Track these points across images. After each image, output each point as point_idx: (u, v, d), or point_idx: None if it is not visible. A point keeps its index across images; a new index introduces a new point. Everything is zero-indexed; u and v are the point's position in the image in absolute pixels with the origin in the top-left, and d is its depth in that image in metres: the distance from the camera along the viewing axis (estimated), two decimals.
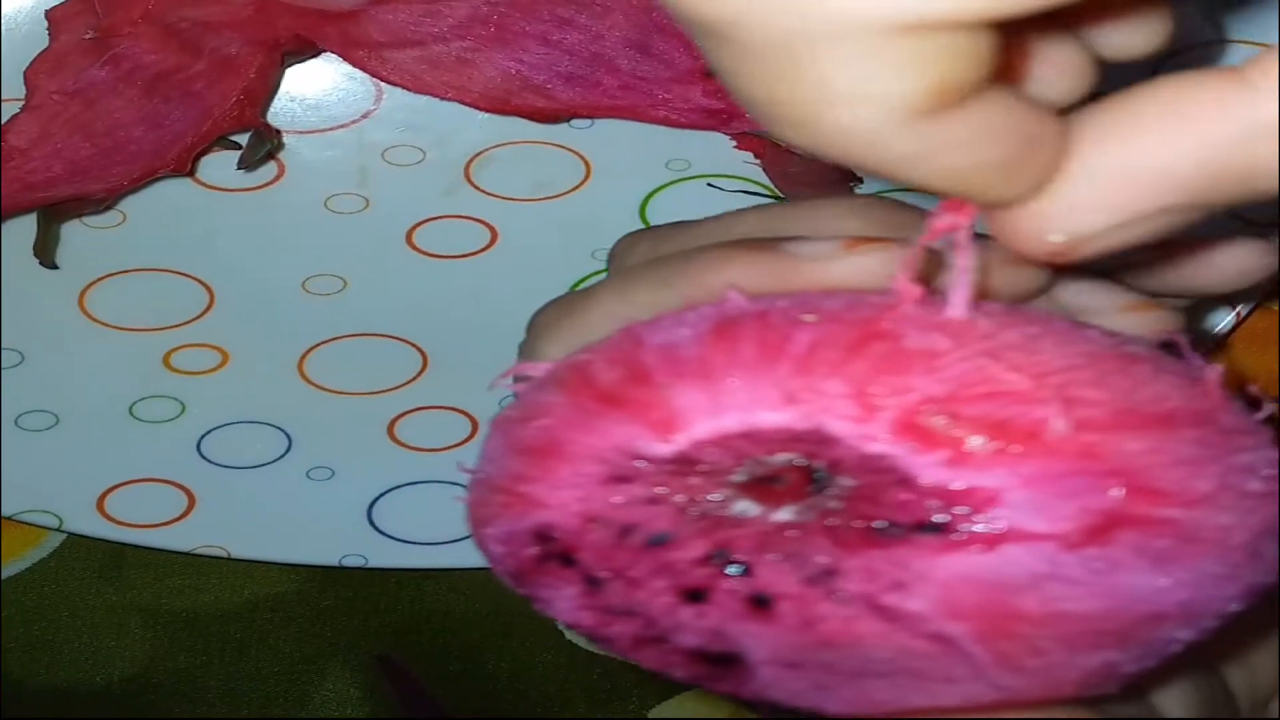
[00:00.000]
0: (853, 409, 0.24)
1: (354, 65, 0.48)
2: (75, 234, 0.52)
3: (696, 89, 0.48)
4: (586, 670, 0.60)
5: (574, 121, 0.50)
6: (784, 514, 0.25)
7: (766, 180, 0.51)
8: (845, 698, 0.27)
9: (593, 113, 0.49)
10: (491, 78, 0.48)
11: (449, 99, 0.49)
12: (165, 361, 0.55)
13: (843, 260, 0.29)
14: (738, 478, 0.25)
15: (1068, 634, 0.25)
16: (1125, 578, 0.25)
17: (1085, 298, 0.32)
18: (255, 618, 0.59)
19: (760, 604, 0.25)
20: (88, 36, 0.47)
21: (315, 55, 0.49)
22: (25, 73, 0.47)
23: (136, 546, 0.56)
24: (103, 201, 0.50)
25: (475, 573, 0.59)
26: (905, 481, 0.24)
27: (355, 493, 0.57)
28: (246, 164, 0.50)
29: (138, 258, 0.53)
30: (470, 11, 0.47)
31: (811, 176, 0.49)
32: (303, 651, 0.59)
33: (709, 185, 0.52)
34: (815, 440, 0.25)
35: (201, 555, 0.56)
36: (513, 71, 0.48)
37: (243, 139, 0.49)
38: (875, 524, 0.25)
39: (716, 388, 0.25)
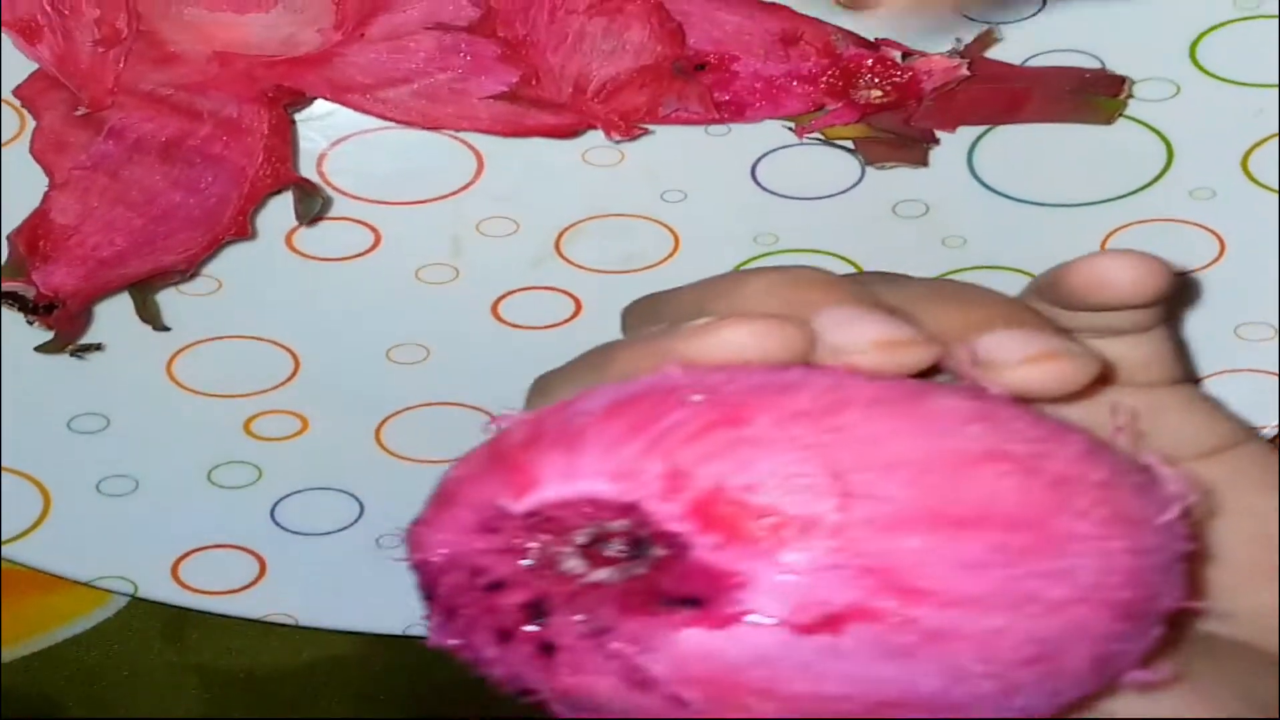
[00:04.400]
0: (660, 488, 0.27)
1: (353, 109, 0.48)
2: (171, 301, 0.52)
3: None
4: None
5: (665, 195, 0.51)
6: (599, 575, 0.28)
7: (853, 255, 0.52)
8: None
9: (605, 125, 0.49)
10: (492, 103, 0.48)
11: (463, 130, 0.49)
12: (246, 428, 0.55)
13: (702, 340, 0.31)
14: (580, 539, 0.28)
15: (798, 711, 0.27)
16: (855, 666, 0.27)
17: (994, 350, 0.32)
18: (312, 680, 0.59)
19: (546, 650, 0.28)
20: (79, 113, 0.47)
21: (309, 104, 0.49)
22: (32, 153, 0.47)
23: (207, 613, 0.56)
24: (185, 272, 0.50)
25: None
26: (685, 559, 0.27)
27: None
28: (303, 219, 0.50)
29: (229, 325, 0.53)
30: (435, 42, 0.47)
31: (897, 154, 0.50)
32: (357, 715, 0.60)
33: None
34: (635, 513, 0.27)
35: (269, 623, 0.56)
36: (508, 93, 0.48)
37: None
38: (653, 594, 0.27)
39: (574, 457, 0.27)
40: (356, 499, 0.56)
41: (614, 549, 0.28)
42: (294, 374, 0.54)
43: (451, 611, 0.29)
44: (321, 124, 0.50)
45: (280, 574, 0.56)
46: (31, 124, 0.47)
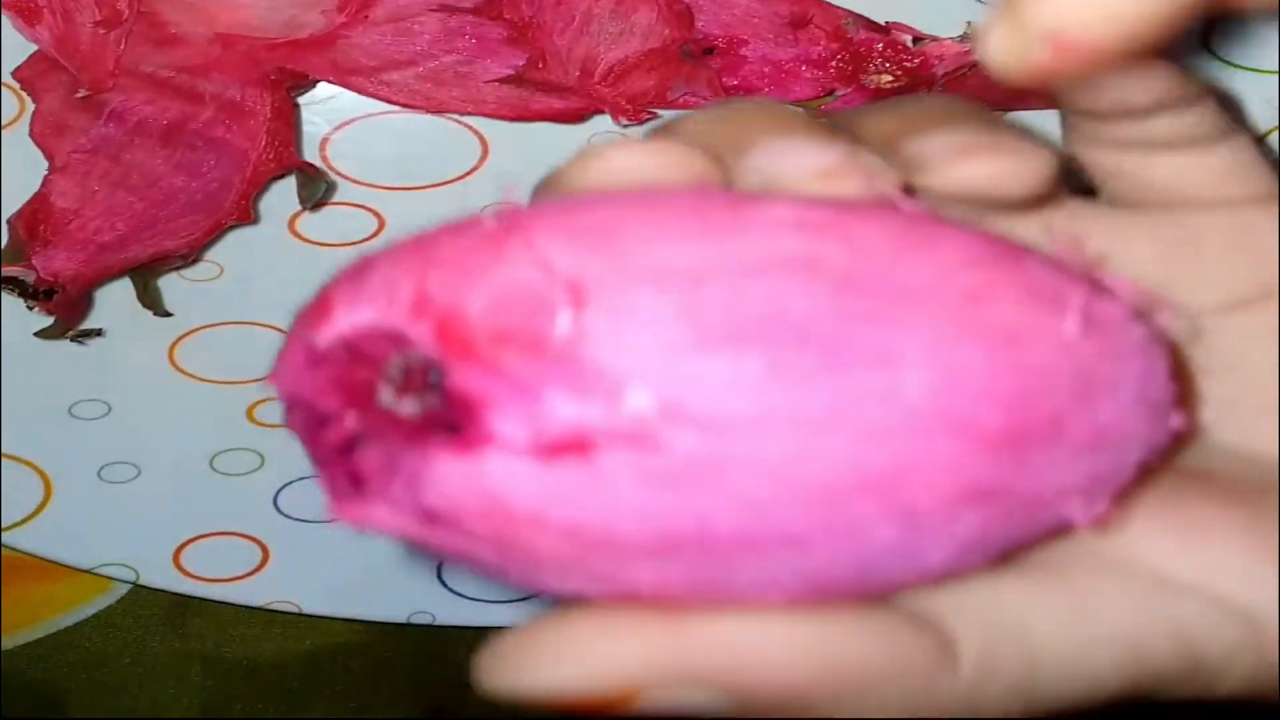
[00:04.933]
0: (409, 312, 0.25)
1: (357, 92, 0.48)
2: (173, 286, 0.51)
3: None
4: None
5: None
6: (405, 407, 0.26)
7: None
8: (476, 567, 0.28)
9: (613, 109, 0.49)
10: (498, 86, 0.48)
11: (468, 113, 0.49)
12: (248, 414, 0.54)
13: (586, 165, 0.29)
14: (392, 372, 0.26)
15: (594, 544, 0.25)
16: (619, 496, 0.25)
17: (776, 163, 0.29)
18: (314, 669, 0.59)
19: (356, 485, 0.26)
20: (80, 96, 0.46)
21: (312, 87, 0.49)
22: (32, 136, 0.47)
23: (209, 600, 0.56)
24: (187, 257, 0.50)
25: None
26: (442, 384, 0.25)
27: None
28: (306, 203, 0.50)
29: (231, 310, 0.52)
30: (440, 25, 0.47)
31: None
32: (359, 703, 0.59)
33: None
34: (403, 342, 0.26)
35: (272, 610, 0.56)
36: (514, 77, 0.48)
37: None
38: (430, 424, 0.26)
39: (358, 287, 0.27)
40: None
41: (419, 381, 0.26)
42: None
43: (305, 448, 0.28)
44: (325, 107, 0.50)
45: (283, 562, 0.56)
46: (31, 107, 0.47)
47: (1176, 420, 0.29)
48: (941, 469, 0.26)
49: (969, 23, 0.46)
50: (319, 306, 0.27)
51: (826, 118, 0.32)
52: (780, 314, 0.25)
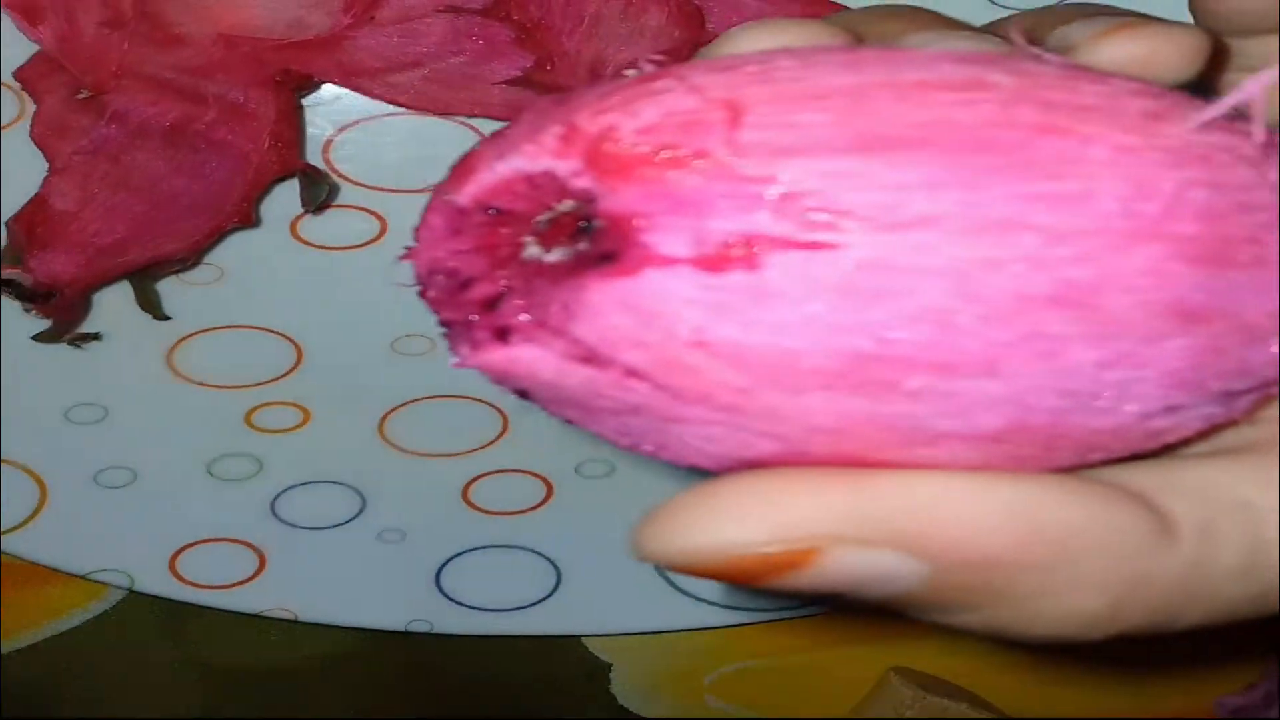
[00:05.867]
0: (556, 147, 0.24)
1: (363, 94, 0.47)
2: (172, 290, 0.51)
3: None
4: None
5: None
6: (553, 255, 0.25)
7: None
8: (609, 430, 0.26)
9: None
10: (506, 88, 0.47)
11: (475, 115, 0.48)
12: (247, 419, 0.54)
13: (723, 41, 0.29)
14: (538, 224, 0.25)
15: (764, 371, 0.24)
16: (790, 308, 0.23)
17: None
18: (311, 677, 0.59)
19: (502, 338, 0.25)
20: (82, 96, 0.46)
21: (316, 89, 0.48)
22: (32, 137, 0.46)
23: (205, 608, 0.55)
24: (186, 260, 0.49)
25: (530, 639, 0.58)
26: (595, 215, 0.24)
27: (425, 556, 0.56)
28: (309, 206, 0.49)
29: (232, 315, 0.52)
30: (447, 26, 0.46)
31: None
32: (356, 711, 0.59)
33: None
34: (553, 181, 0.25)
35: (269, 618, 0.55)
36: (522, 78, 0.47)
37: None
38: (583, 260, 0.25)
39: (502, 142, 0.25)
40: (359, 493, 0.55)
41: (570, 226, 0.25)
42: (297, 365, 0.53)
43: (445, 323, 0.27)
44: (328, 109, 0.49)
45: (280, 569, 0.55)
46: (32, 107, 0.46)
47: None
48: (1141, 279, 0.24)
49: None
50: (461, 169, 0.26)
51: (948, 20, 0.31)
52: (950, 121, 0.24)
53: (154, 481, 0.54)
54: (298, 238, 0.51)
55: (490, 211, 0.26)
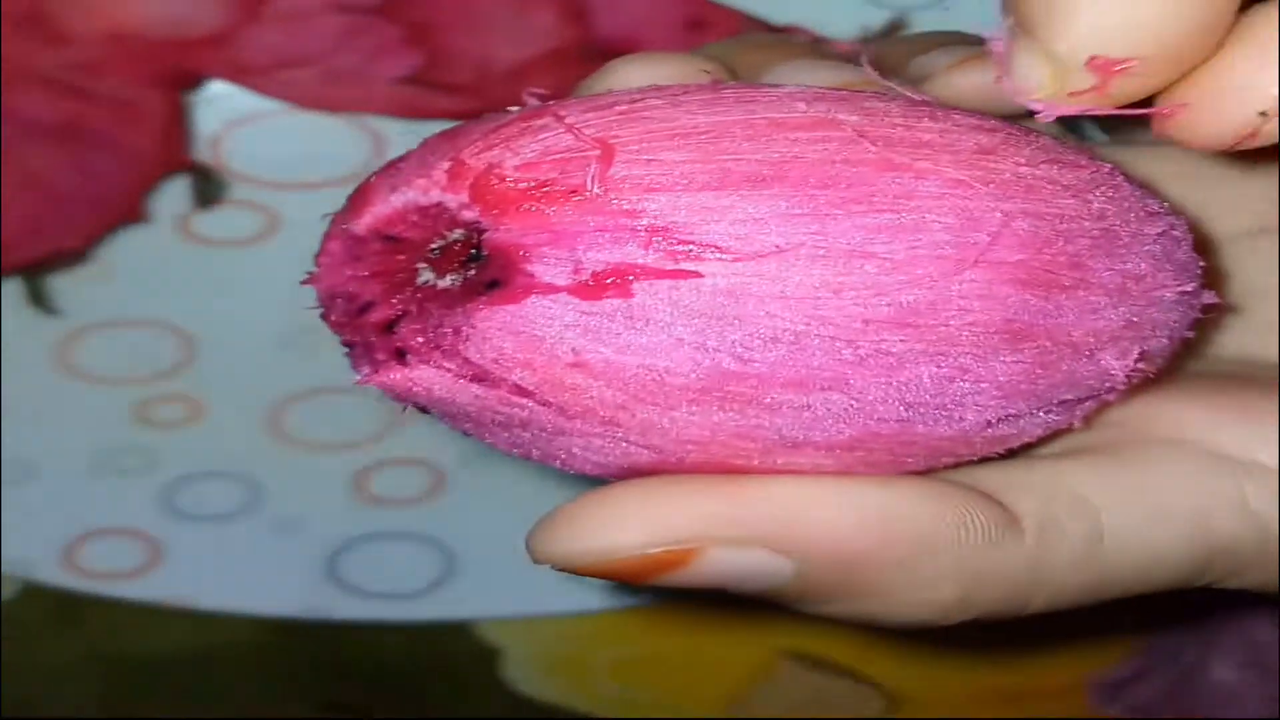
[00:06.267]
0: (447, 181, 0.27)
1: (253, 90, 0.48)
2: (63, 286, 0.51)
3: None
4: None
5: None
6: (446, 281, 0.27)
7: None
8: (501, 442, 0.29)
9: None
10: (396, 86, 0.48)
11: (365, 113, 0.49)
12: (140, 413, 0.54)
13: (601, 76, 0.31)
14: (432, 252, 0.27)
15: (639, 389, 0.26)
16: (660, 332, 0.26)
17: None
18: (212, 665, 0.59)
19: (400, 358, 0.27)
20: None
21: (205, 86, 0.49)
22: None
23: (104, 598, 0.55)
24: (79, 255, 0.49)
25: (430, 625, 0.59)
26: (481, 245, 0.27)
27: (320, 545, 0.57)
28: (199, 203, 0.50)
29: (122, 310, 0.52)
30: (337, 24, 0.47)
31: None
32: (258, 699, 0.59)
33: None
34: (445, 212, 0.27)
35: (167, 607, 0.56)
36: (413, 76, 0.48)
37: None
38: (472, 286, 0.27)
39: (397, 173, 0.27)
40: (253, 483, 0.56)
41: (461, 255, 0.27)
42: (190, 359, 0.53)
43: (346, 344, 0.29)
44: (218, 106, 0.49)
45: (177, 559, 0.56)
46: None
47: (1208, 294, 0.30)
48: (972, 302, 0.26)
49: (866, 27, 0.47)
50: (356, 200, 0.28)
51: (830, 49, 0.33)
52: (799, 159, 0.26)
53: (49, 475, 0.54)
54: (188, 234, 0.51)
55: (386, 239, 0.28)
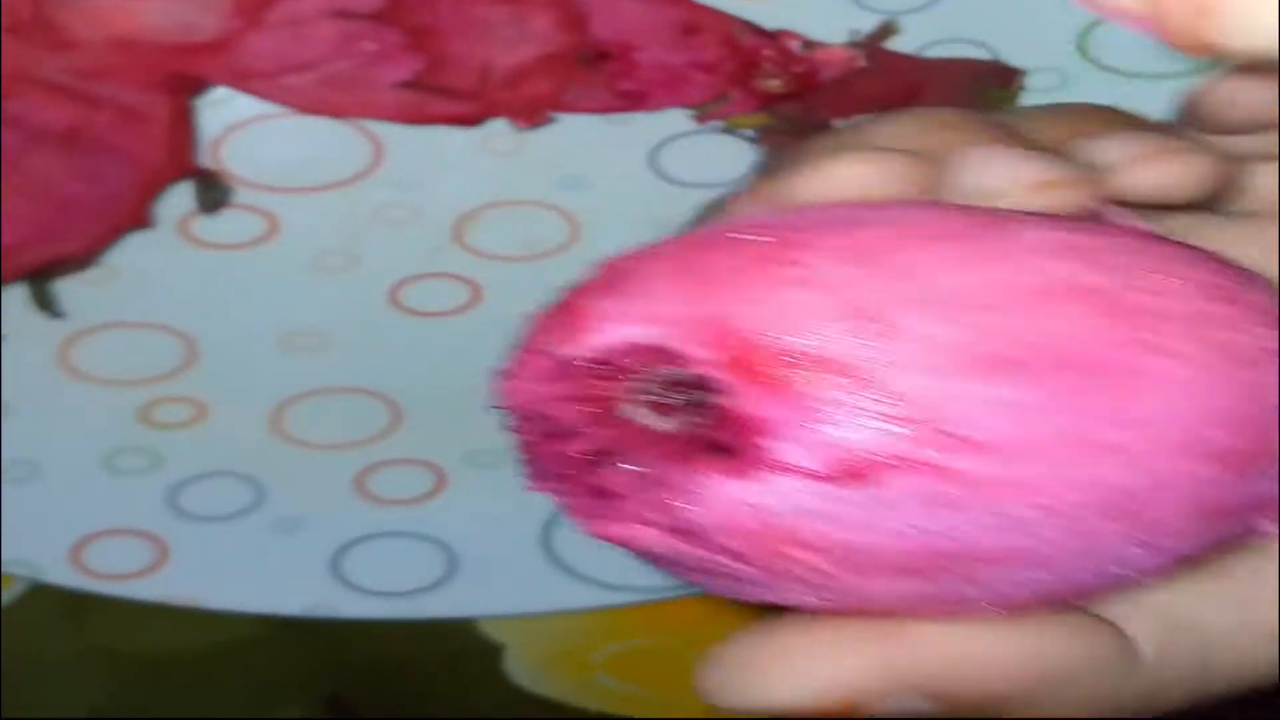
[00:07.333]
0: (697, 334, 0.25)
1: (254, 95, 0.48)
2: (68, 289, 0.52)
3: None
4: (533, 716, 0.61)
5: (565, 182, 0.52)
6: (664, 424, 0.26)
7: None
8: (683, 577, 0.28)
9: (510, 112, 0.49)
10: (396, 90, 0.48)
11: (365, 117, 0.49)
12: (144, 414, 0.55)
13: (815, 178, 0.30)
14: (649, 387, 0.26)
15: (852, 562, 0.26)
16: (900, 518, 0.25)
17: (991, 175, 0.30)
18: (214, 662, 0.59)
19: (601, 497, 0.27)
20: None
21: (208, 91, 0.49)
22: None
23: (109, 597, 0.56)
24: (84, 260, 0.50)
25: (432, 622, 0.59)
26: (723, 407, 0.26)
27: (322, 544, 0.57)
28: (206, 208, 0.50)
29: (126, 312, 0.53)
30: (337, 30, 0.47)
31: None
32: (260, 695, 0.59)
33: None
34: (680, 360, 0.26)
35: (172, 606, 0.56)
36: (412, 81, 0.48)
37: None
38: (699, 443, 0.26)
39: (624, 302, 0.26)
40: (256, 484, 0.56)
41: (680, 398, 0.26)
42: (192, 361, 0.54)
43: (532, 460, 0.28)
44: (220, 110, 0.50)
45: (182, 559, 0.56)
46: None
47: None
48: (1186, 490, 0.27)
49: (856, 30, 0.47)
50: (568, 318, 0.27)
51: (996, 124, 0.32)
52: (1052, 339, 0.26)
53: (54, 476, 0.54)
54: (191, 237, 0.52)
55: (594, 363, 0.27)
